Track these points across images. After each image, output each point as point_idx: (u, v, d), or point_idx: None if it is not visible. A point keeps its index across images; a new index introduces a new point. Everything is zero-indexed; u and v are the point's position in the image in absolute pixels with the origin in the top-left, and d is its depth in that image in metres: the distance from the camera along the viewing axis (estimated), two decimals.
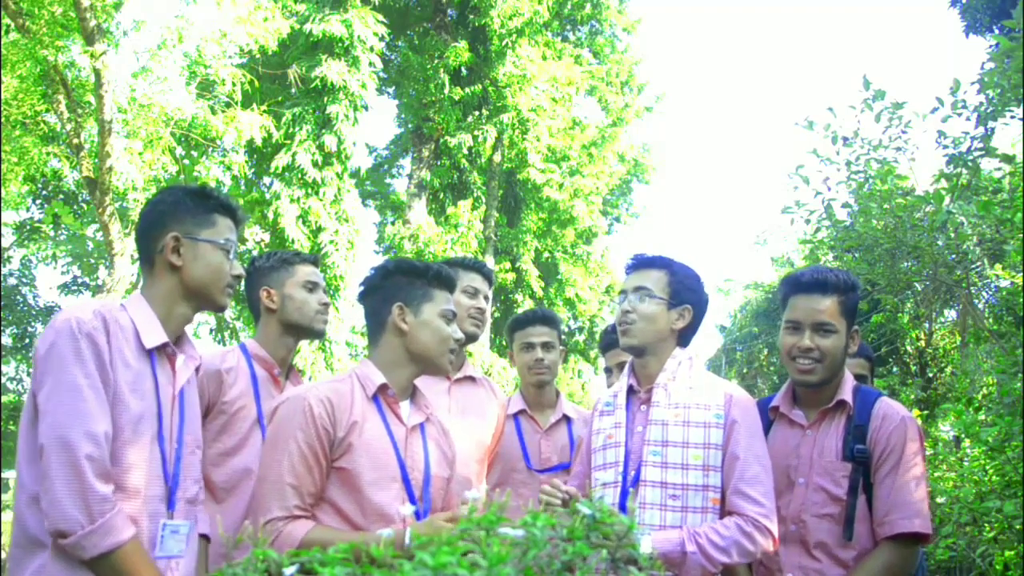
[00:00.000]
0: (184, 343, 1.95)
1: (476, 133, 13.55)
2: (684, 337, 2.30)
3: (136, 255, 9.03)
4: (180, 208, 1.90)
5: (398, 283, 2.07)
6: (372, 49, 11.56)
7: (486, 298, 2.78)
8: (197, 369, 2.00)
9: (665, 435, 2.16)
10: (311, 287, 2.56)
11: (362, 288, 2.14)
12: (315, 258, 2.70)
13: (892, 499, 2.13)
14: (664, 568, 1.89)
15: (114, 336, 1.74)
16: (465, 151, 13.65)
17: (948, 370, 8.72)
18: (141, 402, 1.76)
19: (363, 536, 1.82)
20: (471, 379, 2.76)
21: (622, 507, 2.15)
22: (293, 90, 11.41)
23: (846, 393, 2.26)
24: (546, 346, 3.12)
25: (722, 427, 2.14)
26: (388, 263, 2.14)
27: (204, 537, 1.99)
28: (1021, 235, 3.64)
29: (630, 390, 2.32)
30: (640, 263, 2.34)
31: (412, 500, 1.98)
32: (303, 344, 8.91)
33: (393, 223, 14.46)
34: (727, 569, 2.20)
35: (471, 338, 2.71)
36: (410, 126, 14.77)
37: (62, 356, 1.67)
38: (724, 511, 2.13)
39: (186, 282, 1.88)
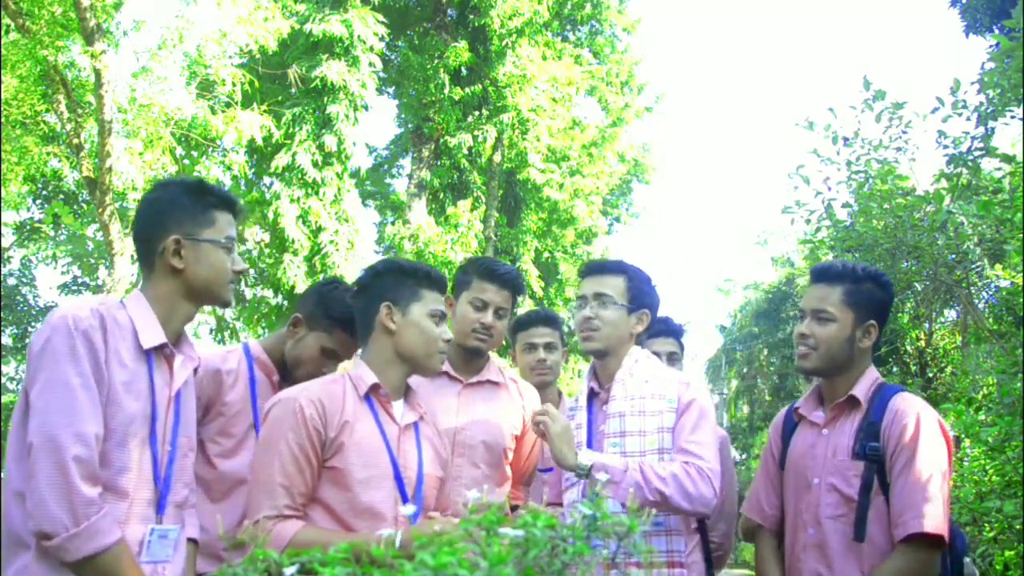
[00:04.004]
0: (183, 343, 1.92)
1: (476, 133, 13.54)
2: (640, 338, 2.37)
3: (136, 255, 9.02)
4: (178, 208, 1.85)
5: (387, 283, 2.07)
6: (372, 49, 11.55)
7: (499, 310, 2.54)
8: (196, 370, 1.97)
9: (622, 426, 2.23)
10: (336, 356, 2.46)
11: (353, 288, 2.15)
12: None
13: (904, 499, 2.02)
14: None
15: (111, 335, 1.71)
16: (465, 151, 13.63)
17: (948, 370, 8.72)
18: (135, 403, 1.73)
19: (353, 536, 1.82)
20: (491, 383, 2.63)
21: None
22: (293, 90, 11.40)
23: (860, 390, 2.19)
24: (548, 347, 3.12)
25: (675, 411, 2.21)
26: (379, 263, 2.15)
27: (192, 541, 1.95)
28: (1021, 235, 3.64)
29: (592, 392, 2.37)
30: (597, 269, 2.39)
31: (404, 499, 1.97)
32: None
33: (393, 223, 14.44)
34: None
35: (476, 352, 2.57)
36: (410, 126, 14.75)
37: (56, 353, 1.64)
38: None
39: (189, 283, 1.85)
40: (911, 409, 2.11)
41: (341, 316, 2.34)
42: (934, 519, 1.98)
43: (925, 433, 2.06)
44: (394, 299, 2.04)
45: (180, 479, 1.85)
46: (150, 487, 1.76)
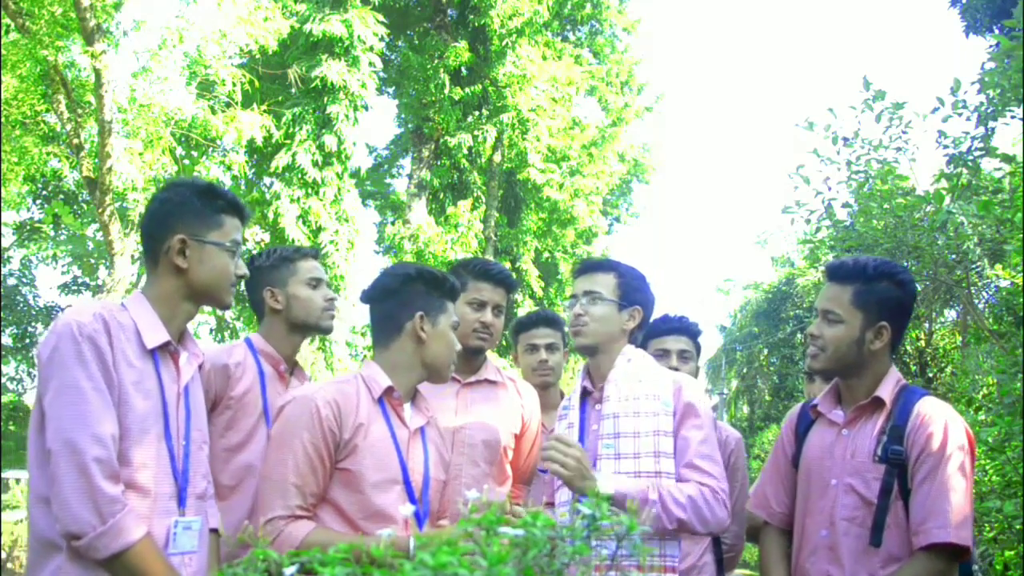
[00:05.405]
0: (187, 340, 1.96)
1: (476, 133, 13.54)
2: (634, 336, 2.35)
3: (136, 255, 9.05)
4: (187, 208, 1.89)
5: (418, 291, 2.08)
6: (372, 49, 11.55)
7: (497, 307, 2.60)
8: (200, 366, 2.00)
9: (616, 427, 2.20)
10: (315, 283, 2.53)
11: (374, 290, 2.14)
12: (315, 252, 2.65)
13: (928, 506, 1.95)
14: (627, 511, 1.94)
15: (116, 337, 1.75)
16: (465, 151, 13.64)
17: (948, 370, 8.72)
18: (146, 401, 1.77)
19: (364, 539, 1.82)
20: (489, 382, 2.65)
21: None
22: (293, 90, 11.40)
23: (884, 391, 2.13)
24: (550, 347, 3.11)
25: (671, 414, 2.18)
26: (408, 269, 2.15)
27: (215, 531, 1.99)
28: (1021, 235, 3.64)
29: (585, 392, 2.36)
30: (588, 267, 2.39)
31: (413, 502, 1.99)
32: (303, 344, 8.91)
33: (393, 223, 14.45)
34: None
35: (477, 351, 2.60)
36: (410, 126, 14.77)
37: (64, 360, 1.68)
38: None
39: (191, 283, 1.88)
40: (939, 415, 2.05)
41: (291, 255, 2.54)
42: (961, 529, 1.92)
43: (953, 441, 2.00)
44: (426, 309, 2.07)
45: (197, 471, 1.90)
46: (170, 481, 1.81)
